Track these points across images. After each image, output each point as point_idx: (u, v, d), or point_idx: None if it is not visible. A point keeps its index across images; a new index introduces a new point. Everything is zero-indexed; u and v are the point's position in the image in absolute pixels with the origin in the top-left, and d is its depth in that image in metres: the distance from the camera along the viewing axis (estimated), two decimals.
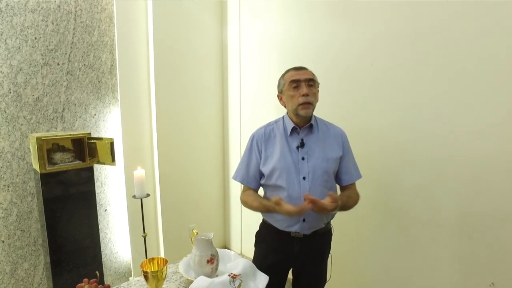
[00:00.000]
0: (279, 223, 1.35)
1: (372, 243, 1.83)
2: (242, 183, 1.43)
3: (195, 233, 1.17)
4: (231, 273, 1.06)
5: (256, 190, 1.43)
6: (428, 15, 1.50)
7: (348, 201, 1.34)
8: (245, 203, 1.41)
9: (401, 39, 1.61)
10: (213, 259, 1.12)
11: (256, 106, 2.42)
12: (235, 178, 1.44)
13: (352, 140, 1.73)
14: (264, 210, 1.34)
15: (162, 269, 0.99)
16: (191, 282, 1.08)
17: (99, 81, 2.14)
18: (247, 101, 2.50)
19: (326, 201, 1.18)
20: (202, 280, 1.03)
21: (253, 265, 1.16)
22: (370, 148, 1.77)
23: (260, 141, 1.39)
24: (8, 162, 1.82)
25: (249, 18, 2.41)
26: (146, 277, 0.98)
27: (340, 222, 1.90)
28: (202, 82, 2.54)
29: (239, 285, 1.05)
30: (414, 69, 1.58)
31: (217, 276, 1.14)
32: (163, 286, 1.07)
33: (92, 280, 1.01)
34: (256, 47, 2.39)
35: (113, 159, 1.80)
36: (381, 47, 1.69)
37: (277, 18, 2.21)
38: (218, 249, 1.21)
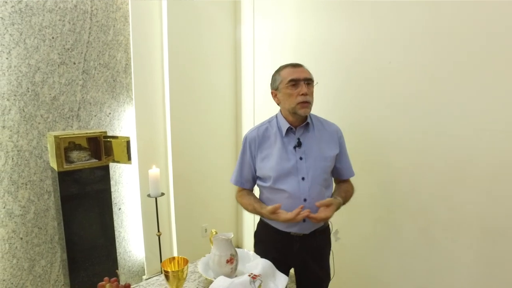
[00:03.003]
0: (279, 224, 1.34)
1: (390, 244, 1.80)
2: (236, 185, 1.44)
3: (214, 233, 1.16)
4: (252, 273, 1.05)
5: (251, 190, 1.45)
6: (449, 11, 1.47)
7: (346, 196, 1.36)
8: (240, 203, 1.43)
9: (421, 37, 1.57)
10: (232, 259, 1.11)
11: (270, 106, 2.40)
12: (231, 180, 1.45)
13: (372, 139, 1.71)
14: (257, 214, 1.35)
15: (183, 269, 0.98)
16: (210, 282, 1.08)
17: (114, 80, 2.15)
18: (260, 101, 2.49)
19: (321, 212, 1.20)
20: (223, 280, 1.02)
21: (273, 265, 1.14)
22: (389, 147, 1.73)
23: (254, 144, 1.36)
24: (26, 160, 1.84)
25: (263, 18, 2.39)
26: (167, 277, 0.98)
27: (355, 222, 1.88)
28: (216, 81, 2.53)
29: (259, 285, 1.03)
30: (434, 67, 1.54)
31: (236, 276, 1.13)
32: None
33: (112, 279, 1.01)
34: (270, 46, 2.37)
35: (129, 158, 1.81)
36: (399, 44, 1.65)
37: (292, 17, 2.18)
38: (236, 249, 1.19)
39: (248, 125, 2.62)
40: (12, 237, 1.83)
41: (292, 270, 1.47)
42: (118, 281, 1.01)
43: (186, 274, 1.00)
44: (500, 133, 1.36)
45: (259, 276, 1.05)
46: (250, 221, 2.70)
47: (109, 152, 1.86)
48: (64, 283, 1.95)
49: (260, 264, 1.11)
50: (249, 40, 2.51)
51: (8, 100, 1.76)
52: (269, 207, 1.24)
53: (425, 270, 1.66)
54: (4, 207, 1.79)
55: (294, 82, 1.27)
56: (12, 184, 1.81)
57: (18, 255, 1.85)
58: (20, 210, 1.84)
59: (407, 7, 1.60)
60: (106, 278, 1.01)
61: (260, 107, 2.50)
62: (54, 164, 1.72)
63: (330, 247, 1.46)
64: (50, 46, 1.86)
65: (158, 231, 2.01)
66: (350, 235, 1.87)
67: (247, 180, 1.41)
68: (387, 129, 1.74)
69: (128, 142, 1.79)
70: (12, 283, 1.85)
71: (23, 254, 1.87)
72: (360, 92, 1.84)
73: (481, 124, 1.41)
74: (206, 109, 2.49)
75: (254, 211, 1.35)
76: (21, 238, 1.86)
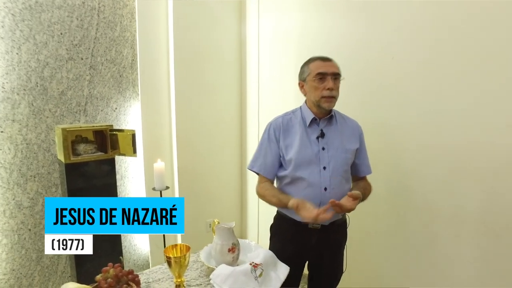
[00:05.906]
0: (298, 216, 1.34)
1: (392, 239, 1.80)
2: (259, 172, 1.38)
3: (217, 222, 1.18)
4: (253, 262, 1.06)
5: (272, 182, 1.40)
6: (452, 7, 1.46)
7: (364, 193, 1.35)
8: (262, 196, 1.36)
9: (424, 32, 1.57)
10: (234, 248, 1.13)
11: (274, 100, 2.42)
12: (251, 168, 1.39)
13: (374, 135, 1.71)
14: (282, 207, 1.32)
15: (185, 255, 1.00)
16: (212, 270, 1.10)
17: (120, 76, 2.19)
18: (265, 95, 2.51)
19: (347, 202, 1.19)
20: (224, 268, 1.04)
21: (274, 255, 1.16)
22: (392, 143, 1.73)
23: (278, 131, 1.37)
24: (34, 153, 1.88)
25: (268, 15, 2.41)
26: (169, 263, 1.00)
27: (358, 217, 1.87)
28: (221, 76, 2.56)
29: (261, 274, 1.05)
30: (437, 63, 1.54)
31: (238, 265, 1.15)
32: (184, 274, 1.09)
33: (116, 265, 1.04)
34: (274, 42, 2.38)
35: (134, 151, 1.83)
36: (402, 40, 1.65)
37: (296, 14, 2.19)
38: (239, 239, 1.21)
39: (253, 119, 2.64)
40: (21, 228, 1.87)
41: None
42: (122, 267, 1.03)
43: (188, 261, 1.02)
44: (503, 130, 1.36)
45: (260, 265, 1.07)
46: (255, 214, 2.72)
47: (115, 145, 1.89)
48: (71, 274, 1.99)
49: (261, 254, 1.13)
50: (253, 36, 2.53)
51: (18, 94, 1.80)
52: (295, 200, 1.20)
53: (428, 265, 1.66)
54: (13, 199, 1.84)
55: (322, 76, 1.28)
56: (21, 177, 1.85)
57: (26, 246, 1.90)
58: (29, 202, 1.89)
59: (410, 3, 1.60)
60: (110, 264, 1.04)
61: (265, 102, 2.51)
62: (61, 157, 1.75)
63: (346, 241, 1.46)
64: (58, 42, 1.90)
65: None
66: (354, 229, 1.87)
67: (272, 167, 1.36)
68: (389, 124, 1.74)
69: (133, 135, 1.82)
70: (21, 273, 1.89)
71: (31, 245, 1.91)
72: (363, 88, 1.84)
73: (485, 120, 1.41)
74: (211, 104, 2.51)
75: (279, 202, 1.30)
76: (30, 230, 1.90)
